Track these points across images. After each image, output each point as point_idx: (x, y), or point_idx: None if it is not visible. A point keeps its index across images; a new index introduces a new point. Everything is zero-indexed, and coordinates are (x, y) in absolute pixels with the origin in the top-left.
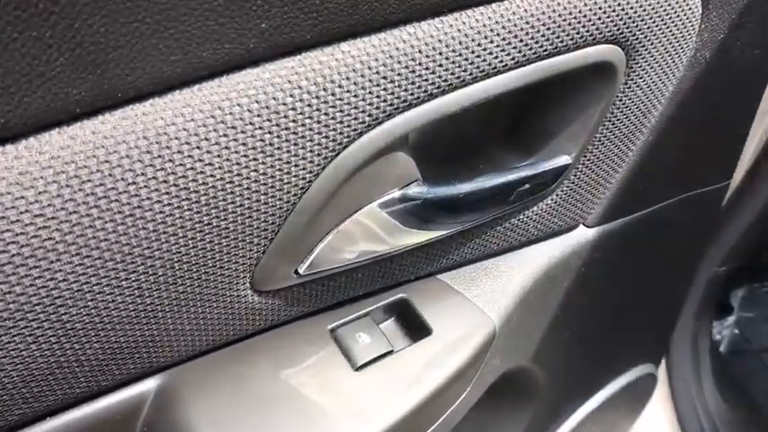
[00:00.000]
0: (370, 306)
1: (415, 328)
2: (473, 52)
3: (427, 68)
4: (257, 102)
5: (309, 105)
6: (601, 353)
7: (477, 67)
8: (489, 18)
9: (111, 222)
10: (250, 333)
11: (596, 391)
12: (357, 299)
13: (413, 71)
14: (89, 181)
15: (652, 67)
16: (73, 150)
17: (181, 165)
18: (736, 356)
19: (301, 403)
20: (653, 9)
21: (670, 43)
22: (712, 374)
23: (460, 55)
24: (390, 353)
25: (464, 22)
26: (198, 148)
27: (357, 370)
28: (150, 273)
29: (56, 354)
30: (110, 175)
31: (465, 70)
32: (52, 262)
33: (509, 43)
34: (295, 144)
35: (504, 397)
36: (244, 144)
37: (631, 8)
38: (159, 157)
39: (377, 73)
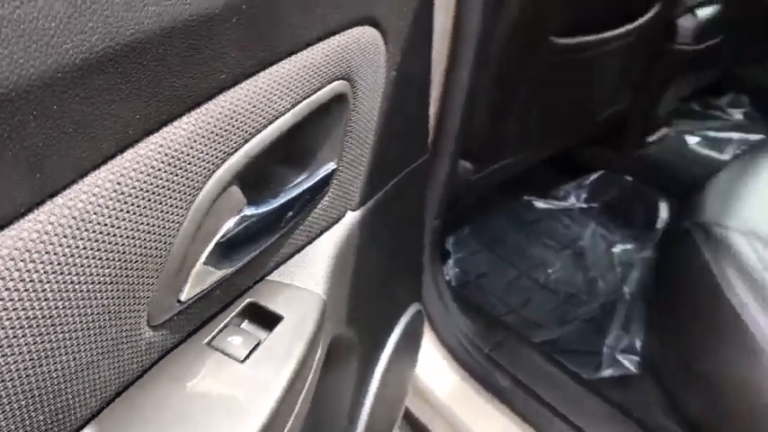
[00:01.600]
0: (230, 315)
1: (269, 320)
2: (266, 104)
3: (242, 122)
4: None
5: (160, 178)
6: (386, 301)
7: (269, 114)
8: (273, 76)
9: None
10: (149, 366)
11: (390, 334)
12: (219, 312)
13: (232, 126)
14: None
15: (367, 91)
16: None
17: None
18: (464, 287)
19: (204, 405)
20: (364, 56)
21: (375, 73)
22: (453, 302)
23: (260, 107)
24: (260, 343)
25: (259, 84)
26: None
27: (242, 362)
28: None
29: None
30: None
31: (263, 118)
32: None
33: (286, 94)
34: (157, 207)
35: (332, 358)
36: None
37: (353, 59)
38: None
39: (209, 138)
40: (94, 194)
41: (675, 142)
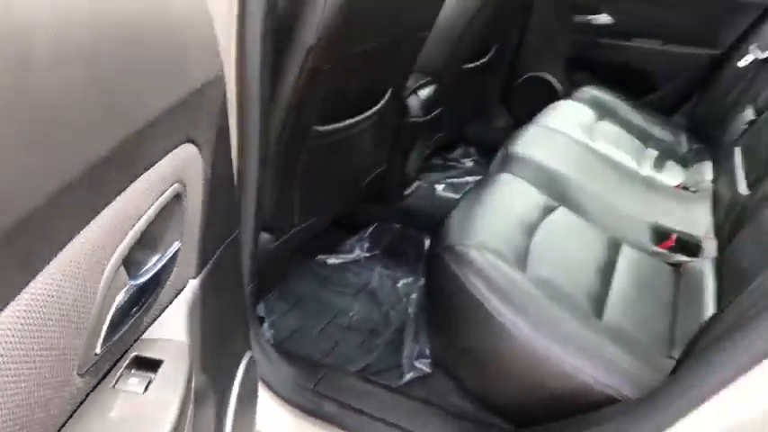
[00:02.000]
0: (122, 366)
1: (153, 365)
2: (135, 210)
3: (121, 228)
4: None
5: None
6: (227, 350)
7: (138, 216)
8: (137, 188)
9: None
10: (77, 407)
11: (234, 377)
12: (114, 365)
13: (116, 232)
14: None
15: (194, 188)
16: None
17: None
18: (282, 343)
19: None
20: (190, 164)
21: (197, 176)
22: (276, 354)
23: (132, 214)
24: (152, 380)
25: (128, 197)
26: None
27: (143, 393)
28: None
29: None
30: None
31: (135, 220)
32: None
33: (148, 198)
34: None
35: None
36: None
37: (183, 168)
38: None
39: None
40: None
41: (427, 191)
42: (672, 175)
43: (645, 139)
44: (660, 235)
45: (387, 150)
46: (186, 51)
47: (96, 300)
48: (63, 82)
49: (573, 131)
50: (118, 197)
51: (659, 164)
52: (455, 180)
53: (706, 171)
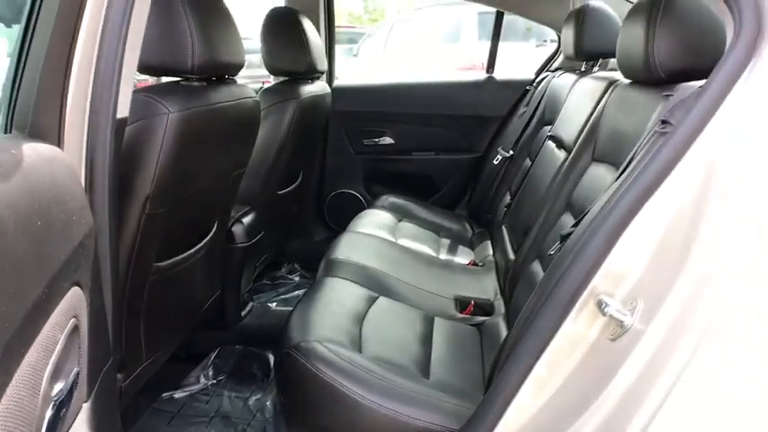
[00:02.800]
0: None
1: None
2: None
3: None
4: None
5: None
6: None
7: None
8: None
9: None
10: None
11: None
12: None
13: None
14: None
15: (82, 321)
16: None
17: None
18: None
19: None
20: (79, 303)
21: (83, 313)
22: None
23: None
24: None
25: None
26: None
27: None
28: None
29: None
30: None
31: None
32: None
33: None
34: None
35: None
36: None
37: (75, 307)
38: None
39: None
40: None
41: (261, 310)
42: (463, 256)
43: (438, 230)
44: (462, 304)
45: (219, 276)
46: (70, 214)
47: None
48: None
49: (380, 233)
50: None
51: (452, 249)
52: (286, 296)
53: (488, 248)
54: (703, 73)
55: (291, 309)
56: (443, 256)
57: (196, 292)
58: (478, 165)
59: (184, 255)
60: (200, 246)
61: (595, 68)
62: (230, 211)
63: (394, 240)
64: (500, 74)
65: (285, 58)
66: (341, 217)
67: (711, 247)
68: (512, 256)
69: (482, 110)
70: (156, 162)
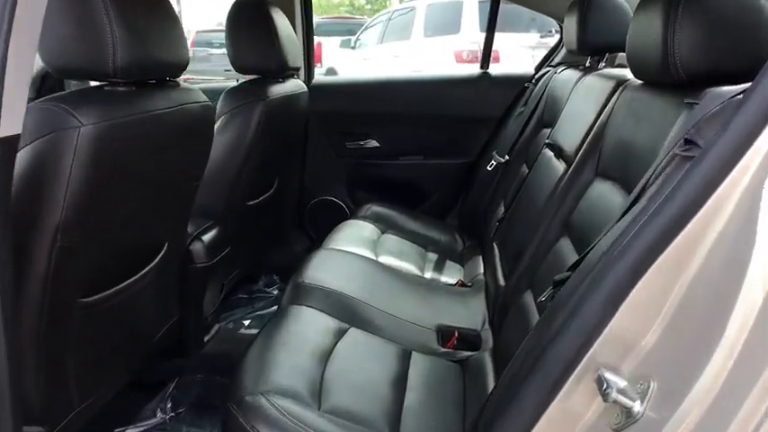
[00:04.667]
0: None
1: None
2: None
3: None
4: None
5: None
6: None
7: None
8: None
9: None
10: None
11: None
12: None
13: None
14: None
15: None
16: None
17: None
18: None
19: None
20: None
21: None
22: None
23: None
24: None
25: None
26: None
27: None
28: None
29: None
30: None
31: None
32: None
33: None
34: None
35: None
36: None
37: None
38: None
39: None
40: None
41: (228, 333)
42: (451, 274)
43: (425, 244)
44: (445, 335)
45: (175, 301)
46: None
47: None
48: None
49: (359, 249)
50: None
51: (440, 266)
52: (263, 311)
53: (478, 265)
54: (737, 77)
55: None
56: (429, 274)
57: (144, 323)
58: (471, 171)
59: (122, 285)
60: (145, 271)
61: (601, 64)
62: (186, 228)
63: (374, 257)
64: (496, 69)
65: (252, 54)
66: (322, 226)
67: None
68: (502, 280)
69: (476, 110)
70: (65, 185)
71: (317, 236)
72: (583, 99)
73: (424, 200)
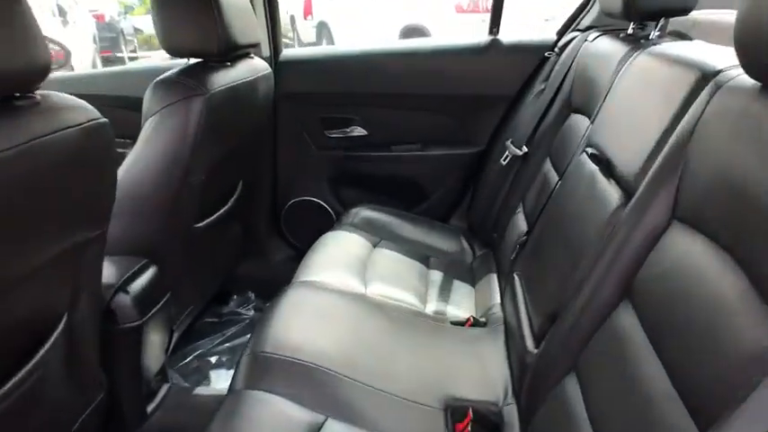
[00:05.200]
0: None
1: None
2: None
3: None
4: None
5: None
6: None
7: None
8: None
9: None
10: None
11: None
12: None
13: None
14: None
15: None
16: None
17: None
18: None
19: None
20: None
21: None
22: None
23: None
24: None
25: None
26: None
27: None
28: None
29: None
30: None
31: None
32: None
33: None
34: None
35: None
36: None
37: None
38: None
39: None
40: None
41: (180, 395)
42: (460, 304)
43: (427, 256)
44: (455, 413)
45: (98, 374)
46: None
47: None
48: None
49: (343, 277)
50: None
51: (445, 290)
52: (235, 341)
53: (493, 288)
54: None
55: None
56: (432, 305)
57: (56, 414)
58: (480, 163)
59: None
60: (48, 346)
61: (654, 33)
62: (97, 282)
63: (363, 288)
64: (508, 35)
65: (185, 32)
66: (302, 230)
67: None
68: (530, 344)
69: (484, 86)
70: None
71: (297, 241)
72: (640, 90)
73: (423, 199)
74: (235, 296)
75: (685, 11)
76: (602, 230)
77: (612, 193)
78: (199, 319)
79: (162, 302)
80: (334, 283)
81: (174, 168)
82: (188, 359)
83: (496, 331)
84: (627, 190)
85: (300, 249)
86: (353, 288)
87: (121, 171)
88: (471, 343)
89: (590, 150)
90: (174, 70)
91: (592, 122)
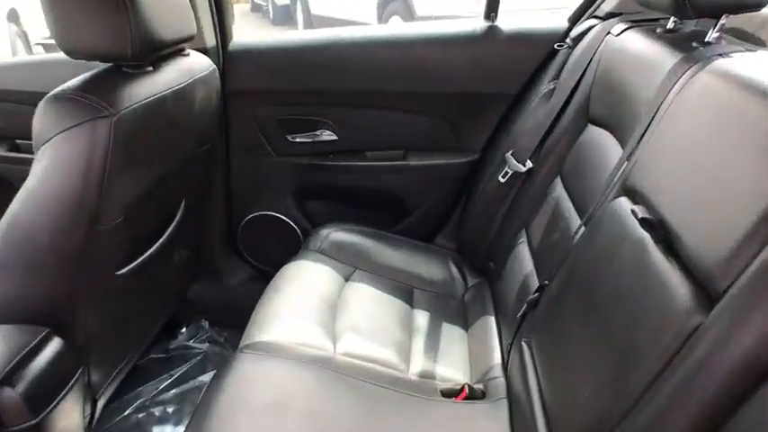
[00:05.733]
0: None
1: None
2: None
3: None
4: None
5: None
6: None
7: None
8: None
9: None
10: None
11: None
12: None
13: None
14: None
15: None
16: None
17: None
18: None
19: None
20: None
21: None
22: None
23: None
24: None
25: None
26: None
27: None
28: None
29: None
30: None
31: None
32: None
33: None
34: None
35: None
36: None
37: None
38: None
39: None
40: None
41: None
42: (451, 362)
43: (410, 291)
44: None
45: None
46: None
47: None
48: None
49: (308, 330)
50: None
51: (433, 341)
52: (185, 386)
53: (492, 338)
54: None
55: None
56: (418, 364)
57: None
58: (473, 173)
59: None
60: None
61: (713, 34)
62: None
63: (331, 349)
64: (508, 21)
65: (87, 29)
66: (263, 248)
67: None
68: (541, 425)
69: (478, 84)
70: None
71: (257, 261)
72: (717, 127)
73: (404, 215)
74: (185, 327)
75: (760, 5)
76: (665, 338)
77: (674, 279)
78: (142, 356)
79: (72, 383)
80: (293, 341)
81: (77, 214)
82: (127, 411)
83: (498, 407)
84: (703, 286)
85: (261, 270)
86: (318, 348)
87: (10, 212)
88: (466, 422)
89: (635, 209)
90: (73, 81)
91: (628, 156)
